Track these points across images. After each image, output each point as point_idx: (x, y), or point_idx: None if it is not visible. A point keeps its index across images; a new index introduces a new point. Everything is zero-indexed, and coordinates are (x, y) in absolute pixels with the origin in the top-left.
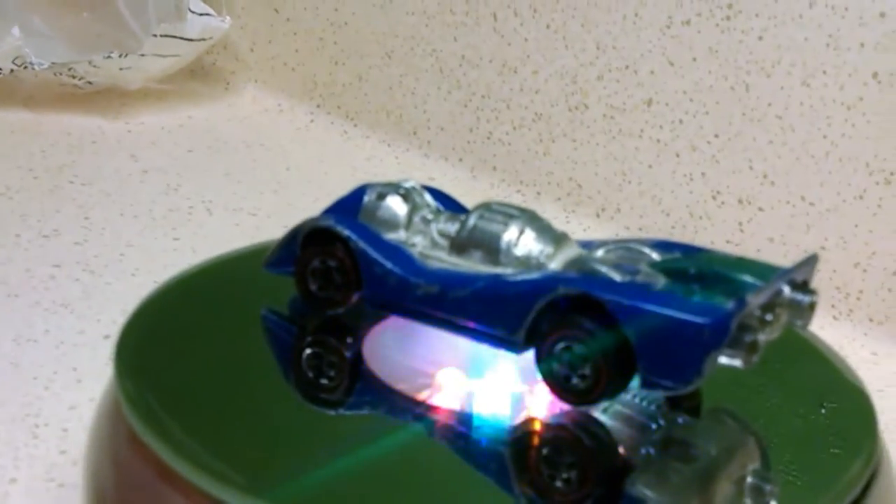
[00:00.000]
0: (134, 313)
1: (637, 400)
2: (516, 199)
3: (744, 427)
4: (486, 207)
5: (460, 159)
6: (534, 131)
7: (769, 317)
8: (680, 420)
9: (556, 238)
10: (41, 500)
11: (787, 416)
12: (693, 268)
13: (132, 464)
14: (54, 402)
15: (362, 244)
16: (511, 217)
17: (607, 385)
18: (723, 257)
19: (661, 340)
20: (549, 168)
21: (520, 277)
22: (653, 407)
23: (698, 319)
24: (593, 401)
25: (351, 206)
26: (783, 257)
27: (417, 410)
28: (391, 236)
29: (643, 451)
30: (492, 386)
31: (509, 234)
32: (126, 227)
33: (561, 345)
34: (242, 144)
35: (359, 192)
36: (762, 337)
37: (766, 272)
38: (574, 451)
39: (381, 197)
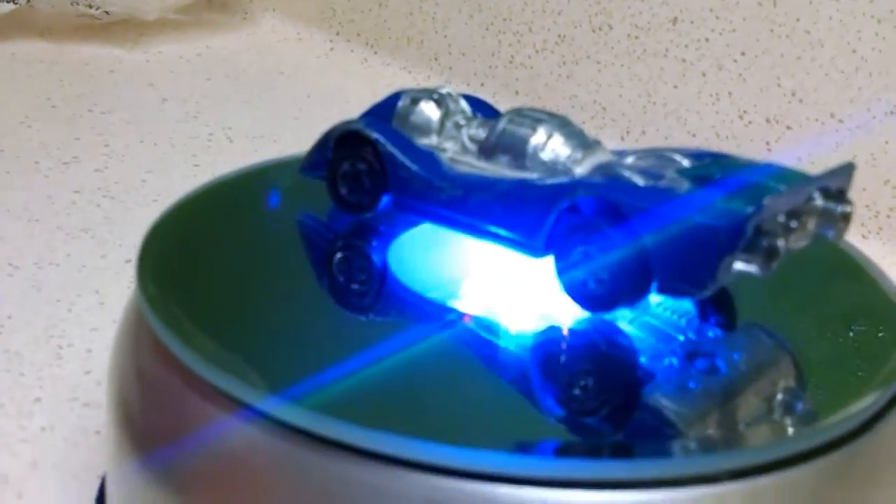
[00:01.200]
0: (157, 222)
1: (667, 312)
2: None
3: (776, 343)
4: (516, 112)
5: (482, 84)
6: (556, 54)
7: (794, 223)
8: (710, 333)
9: (586, 144)
10: (66, 420)
11: (818, 336)
12: (721, 174)
13: (156, 371)
14: (77, 323)
15: (390, 147)
16: (539, 121)
17: (624, 290)
18: (755, 165)
19: (675, 243)
20: (572, 91)
21: (540, 181)
22: (683, 319)
23: (712, 222)
24: (611, 307)
25: (386, 111)
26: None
27: (440, 317)
28: (423, 141)
29: (666, 361)
30: (518, 294)
31: (536, 139)
32: (146, 154)
33: (578, 249)
34: (261, 73)
35: (394, 98)
36: (782, 243)
37: (798, 180)
38: (591, 358)
39: (415, 102)
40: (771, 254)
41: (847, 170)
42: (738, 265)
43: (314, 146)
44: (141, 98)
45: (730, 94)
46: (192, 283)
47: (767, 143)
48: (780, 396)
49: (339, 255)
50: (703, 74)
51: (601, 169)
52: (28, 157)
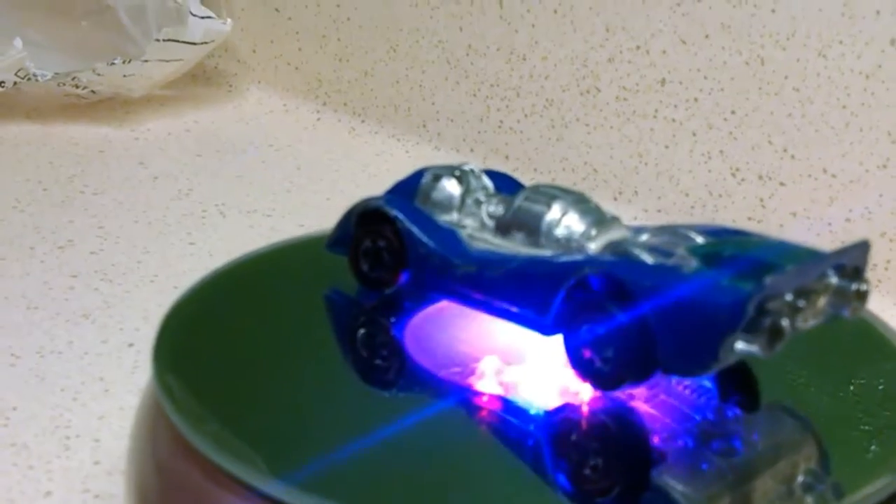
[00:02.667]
0: (171, 309)
1: (686, 391)
2: None
3: (798, 423)
4: (533, 189)
5: (472, 150)
6: (546, 118)
7: (801, 303)
8: (729, 413)
9: (601, 220)
10: None
11: (841, 414)
12: (731, 252)
13: (175, 462)
14: (83, 413)
15: (409, 224)
16: (555, 198)
17: (630, 369)
18: (769, 242)
19: (677, 322)
20: (563, 154)
21: (550, 258)
22: (702, 399)
23: (712, 300)
24: (617, 385)
25: (409, 188)
26: (807, 231)
27: (455, 395)
28: (444, 218)
29: (681, 442)
30: (531, 372)
31: (551, 215)
32: (141, 233)
33: (585, 327)
34: (250, 146)
35: (418, 175)
36: (786, 323)
37: (809, 258)
38: (603, 438)
39: (437, 179)
40: (774, 334)
41: (862, 248)
42: (740, 345)
43: (338, 222)
44: (132, 176)
45: (721, 152)
46: (210, 371)
47: (761, 199)
48: (799, 478)
49: (357, 333)
50: (694, 134)
51: (613, 246)
52: (24, 243)
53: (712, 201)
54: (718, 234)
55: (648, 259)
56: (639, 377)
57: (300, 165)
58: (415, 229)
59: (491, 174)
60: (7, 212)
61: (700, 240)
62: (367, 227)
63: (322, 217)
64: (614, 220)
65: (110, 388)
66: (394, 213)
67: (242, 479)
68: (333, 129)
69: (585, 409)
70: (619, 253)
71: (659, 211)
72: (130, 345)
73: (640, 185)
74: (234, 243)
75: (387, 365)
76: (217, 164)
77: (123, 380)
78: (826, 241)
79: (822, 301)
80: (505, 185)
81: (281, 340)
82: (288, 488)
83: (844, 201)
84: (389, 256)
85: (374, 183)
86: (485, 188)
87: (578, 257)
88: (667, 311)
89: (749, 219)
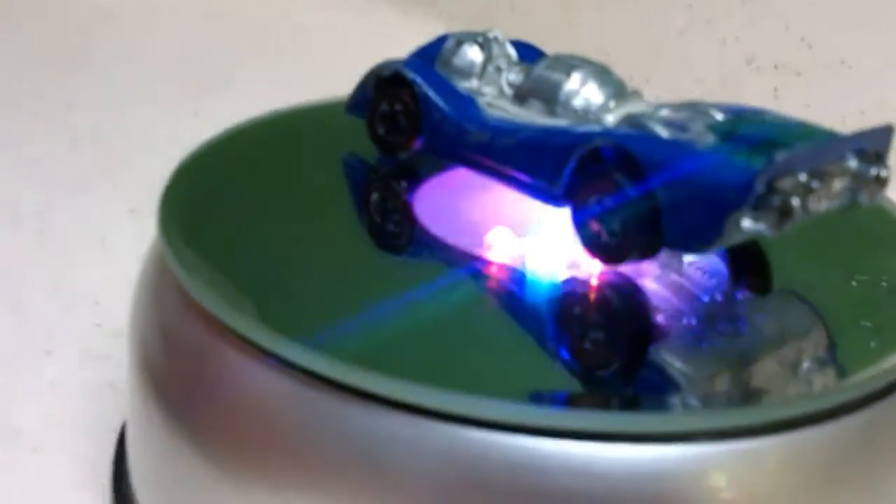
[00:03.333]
0: (180, 165)
1: (697, 272)
2: None
3: (807, 307)
4: (554, 58)
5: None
6: (558, 1)
7: (815, 184)
8: (738, 296)
9: (620, 92)
10: (78, 373)
11: (851, 298)
12: (748, 129)
13: (179, 318)
14: (84, 276)
15: (426, 88)
16: (574, 67)
17: (636, 243)
18: (789, 122)
19: (683, 198)
20: (575, 37)
21: (563, 128)
22: (714, 280)
23: (720, 176)
24: (623, 259)
25: (431, 53)
26: (821, 124)
27: (461, 264)
28: (464, 84)
29: (685, 321)
30: (540, 244)
31: (570, 85)
32: (145, 101)
33: (593, 199)
34: (257, 18)
35: (441, 40)
36: (797, 202)
37: (828, 138)
38: (605, 313)
39: (459, 44)
40: (784, 214)
41: (886, 132)
42: (747, 223)
43: (358, 85)
44: (137, 43)
45: (737, 38)
46: (218, 229)
47: (775, 89)
48: (802, 360)
49: (369, 198)
50: (710, 21)
51: (630, 119)
52: (24, 107)
53: (726, 90)
54: (740, 112)
55: (663, 133)
56: (645, 252)
57: (308, 39)
58: (431, 94)
59: (516, 44)
60: (9, 76)
61: (720, 117)
62: (386, 89)
63: (335, 88)
64: (634, 94)
65: (111, 253)
66: (412, 76)
67: (248, 336)
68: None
69: (591, 282)
70: (635, 126)
71: (671, 99)
72: (131, 210)
73: (652, 72)
74: (240, 115)
75: (397, 231)
76: (225, 34)
77: (124, 245)
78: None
79: (837, 184)
80: (529, 54)
81: (292, 203)
82: (294, 347)
83: (860, 94)
84: (406, 120)
85: (387, 56)
86: (507, 56)
87: (592, 128)
88: (674, 185)
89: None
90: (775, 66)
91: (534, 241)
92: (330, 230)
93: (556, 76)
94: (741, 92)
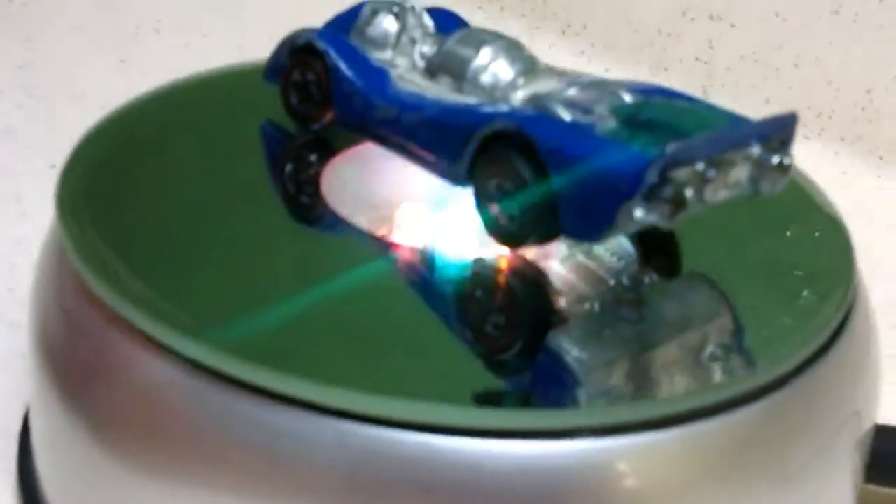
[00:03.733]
0: (78, 144)
1: (607, 254)
2: (478, 17)
3: (718, 294)
4: (465, 33)
5: None
6: None
7: (711, 173)
8: (646, 279)
9: (530, 69)
10: None
11: (759, 281)
12: (655, 114)
13: (78, 310)
14: None
15: (336, 60)
16: (484, 42)
17: (534, 228)
18: (695, 108)
19: (577, 184)
20: None
21: (468, 107)
22: (622, 263)
23: (611, 165)
24: (521, 244)
25: (348, 21)
26: (755, 76)
27: (364, 251)
28: (378, 55)
29: (587, 305)
30: (445, 224)
31: (478, 61)
32: (70, 49)
33: (493, 182)
34: None
35: (358, 8)
36: (690, 193)
37: (730, 125)
38: (505, 296)
39: (374, 14)
40: (676, 204)
41: (789, 120)
42: (639, 213)
43: (274, 52)
44: None
45: None
46: (117, 211)
47: (710, 40)
48: (705, 348)
49: (280, 174)
50: None
51: (535, 99)
52: None
53: (661, 40)
54: (649, 94)
55: (565, 115)
56: (545, 237)
57: None
58: (342, 66)
59: (435, 12)
60: None
61: (628, 98)
62: (299, 58)
63: (262, 41)
64: (545, 71)
65: (28, 211)
66: (323, 46)
67: (141, 327)
68: None
69: (492, 267)
70: (539, 107)
71: (606, 47)
72: (52, 166)
73: (589, 20)
74: (166, 63)
75: (304, 212)
76: None
77: (42, 203)
78: (773, 86)
79: (737, 173)
80: (449, 24)
81: (198, 181)
82: (183, 339)
83: (794, 46)
84: (318, 91)
85: (322, 7)
86: (423, 27)
87: (495, 109)
88: (568, 170)
89: (697, 59)
90: (710, 17)
91: (437, 221)
92: (237, 211)
93: (465, 51)
94: (676, 43)
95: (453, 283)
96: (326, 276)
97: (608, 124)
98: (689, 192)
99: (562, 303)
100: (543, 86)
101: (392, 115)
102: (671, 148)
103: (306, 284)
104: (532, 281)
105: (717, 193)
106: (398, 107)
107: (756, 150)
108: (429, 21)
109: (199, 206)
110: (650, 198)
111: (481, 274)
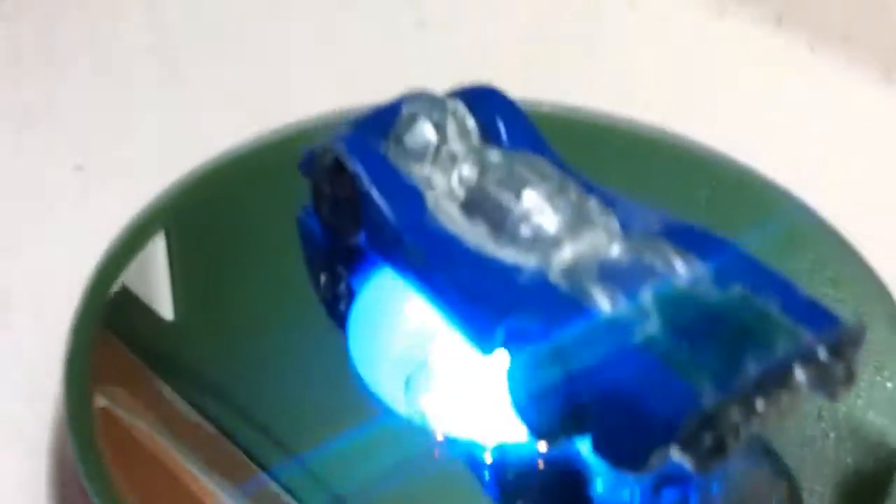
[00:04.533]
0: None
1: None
2: None
3: (770, 465)
4: (508, 166)
5: None
6: None
7: (760, 405)
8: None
9: (576, 219)
10: None
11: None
12: (703, 317)
13: None
14: None
15: (368, 185)
16: (527, 184)
17: (566, 431)
18: (753, 309)
19: (606, 409)
20: None
21: (501, 274)
22: None
23: (648, 401)
24: (553, 440)
25: (386, 121)
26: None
27: (384, 419)
28: (415, 169)
29: (627, 493)
30: (474, 391)
31: (519, 209)
32: None
33: (522, 375)
34: None
35: (396, 107)
36: (734, 438)
37: (791, 340)
38: (542, 485)
39: (412, 120)
40: (714, 452)
41: (855, 331)
42: (675, 454)
43: (308, 149)
44: None
45: None
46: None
47: None
48: None
49: (311, 283)
50: None
51: (574, 273)
52: None
53: None
54: (705, 252)
55: (603, 303)
56: (575, 436)
57: None
58: (374, 192)
59: (481, 95)
60: None
61: (681, 268)
62: (329, 169)
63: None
64: (591, 223)
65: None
66: (353, 167)
67: None
68: None
69: (528, 449)
70: (575, 285)
71: None
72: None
73: None
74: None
75: (323, 354)
76: None
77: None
78: None
79: (788, 399)
80: (511, 121)
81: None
82: None
83: None
84: (349, 209)
85: None
86: (465, 134)
87: (533, 279)
88: (600, 392)
89: None
90: None
91: (464, 384)
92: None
93: (504, 197)
94: None
95: (488, 465)
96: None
97: (649, 327)
98: (731, 439)
99: (601, 491)
100: (587, 243)
101: (419, 260)
102: (710, 400)
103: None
104: (571, 468)
105: (765, 424)
106: (429, 253)
107: (822, 353)
108: (472, 125)
109: None
110: (687, 444)
111: (517, 459)
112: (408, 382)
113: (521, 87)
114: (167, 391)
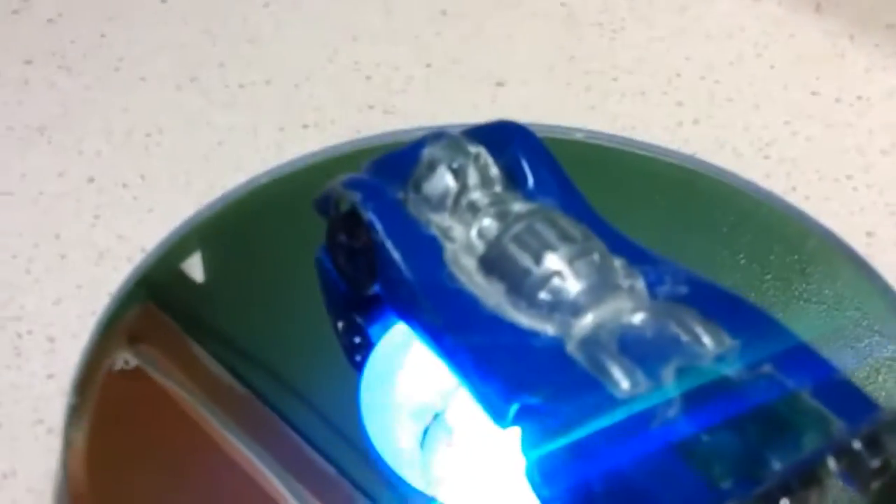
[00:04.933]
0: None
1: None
2: None
3: None
4: (528, 224)
5: None
6: None
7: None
8: None
9: (597, 285)
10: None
11: None
12: (730, 398)
13: None
14: None
15: (384, 237)
16: (547, 248)
17: None
18: (782, 394)
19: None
20: None
21: (515, 348)
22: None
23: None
24: None
25: (406, 163)
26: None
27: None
28: (433, 218)
29: None
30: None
31: (539, 272)
32: None
33: (539, 452)
34: None
35: (416, 149)
36: None
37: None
38: None
39: (432, 167)
40: None
41: (887, 421)
42: None
43: (324, 191)
44: None
45: None
46: None
47: None
48: None
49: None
50: None
51: (590, 344)
52: None
53: None
54: (734, 321)
55: (622, 382)
56: None
57: None
58: (389, 244)
59: (505, 129)
60: None
61: (707, 340)
62: (344, 218)
63: None
64: (614, 288)
65: None
66: (369, 217)
67: None
68: None
69: None
70: (591, 358)
71: None
72: None
73: None
74: None
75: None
76: None
77: None
78: None
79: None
80: (539, 164)
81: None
82: None
83: None
84: (364, 261)
85: None
86: (488, 182)
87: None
88: (612, 483)
89: None
90: None
91: (482, 455)
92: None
93: (524, 259)
94: None
95: None
96: None
97: (668, 412)
98: None
99: None
100: (608, 309)
101: (438, 324)
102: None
103: None
104: None
105: None
106: (444, 317)
107: (857, 445)
108: (495, 172)
109: None
110: None
111: None
112: (424, 435)
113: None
114: (200, 353)
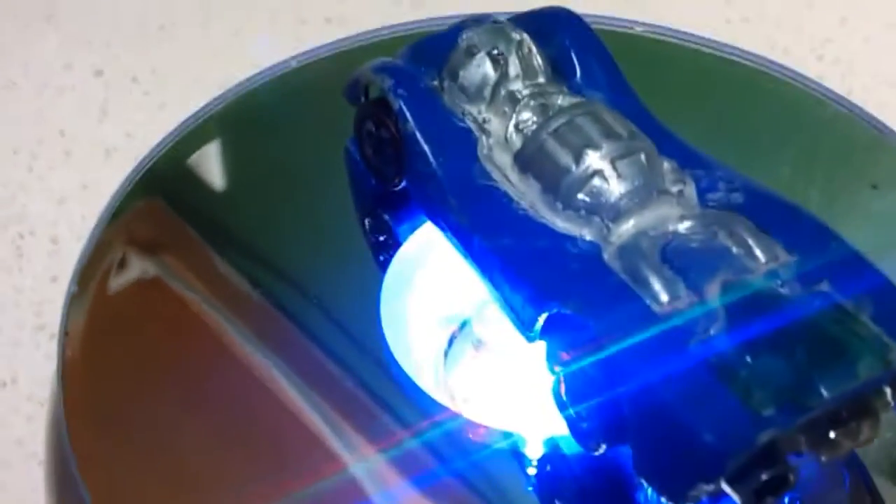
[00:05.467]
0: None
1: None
2: None
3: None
4: (570, 118)
5: None
6: None
7: (833, 434)
8: None
9: (642, 189)
10: None
11: None
12: (781, 318)
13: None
14: None
15: (413, 127)
16: (589, 145)
17: (609, 440)
18: (839, 316)
19: (651, 430)
20: None
21: (543, 274)
22: None
23: (694, 432)
24: (596, 449)
25: (443, 49)
26: None
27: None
28: (470, 108)
29: None
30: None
31: (579, 170)
32: None
33: (566, 377)
34: None
35: (454, 33)
36: (794, 474)
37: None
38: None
39: (470, 54)
40: (769, 490)
41: None
42: (725, 487)
43: (353, 76)
44: None
45: None
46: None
47: None
48: None
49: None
50: None
51: (631, 251)
52: None
53: None
54: (792, 234)
55: (661, 295)
56: (619, 445)
57: None
58: (419, 136)
59: (557, 34)
60: None
61: (759, 252)
62: (373, 106)
63: None
64: (660, 192)
65: None
66: (398, 105)
67: None
68: None
69: (568, 457)
70: (630, 265)
71: None
72: None
73: None
74: None
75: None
76: None
77: None
78: None
79: (868, 429)
80: (585, 55)
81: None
82: None
83: None
84: (392, 152)
85: None
86: (530, 72)
87: (581, 259)
88: (644, 408)
89: None
90: None
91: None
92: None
93: (564, 155)
94: None
95: (534, 471)
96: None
97: (711, 329)
98: (792, 475)
99: None
100: (652, 215)
101: (466, 226)
102: (770, 433)
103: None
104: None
105: (836, 452)
106: (470, 219)
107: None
108: (539, 63)
109: None
110: (739, 479)
111: (551, 464)
112: (450, 345)
113: None
114: (211, 253)
